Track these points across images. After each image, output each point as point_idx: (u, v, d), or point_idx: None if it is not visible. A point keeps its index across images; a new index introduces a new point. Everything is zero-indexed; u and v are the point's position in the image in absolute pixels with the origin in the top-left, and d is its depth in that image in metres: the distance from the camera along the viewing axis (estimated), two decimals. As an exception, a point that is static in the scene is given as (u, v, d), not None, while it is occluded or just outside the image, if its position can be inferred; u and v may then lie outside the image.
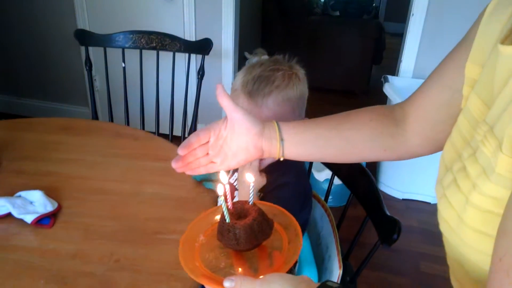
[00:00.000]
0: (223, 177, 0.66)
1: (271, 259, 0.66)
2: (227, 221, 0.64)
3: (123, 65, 1.74)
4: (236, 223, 0.63)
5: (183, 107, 1.76)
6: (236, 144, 0.72)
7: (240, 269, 0.64)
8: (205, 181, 1.07)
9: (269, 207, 0.71)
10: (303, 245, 1.04)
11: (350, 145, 0.72)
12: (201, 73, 1.72)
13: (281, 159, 0.74)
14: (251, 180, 0.66)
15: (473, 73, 0.58)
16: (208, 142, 0.73)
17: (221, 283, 0.57)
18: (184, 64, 2.45)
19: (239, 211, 0.67)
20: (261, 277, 0.56)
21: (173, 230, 0.97)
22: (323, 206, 1.17)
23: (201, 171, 0.75)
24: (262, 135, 0.71)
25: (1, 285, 0.81)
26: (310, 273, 0.99)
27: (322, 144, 0.72)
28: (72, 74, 2.80)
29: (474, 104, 0.54)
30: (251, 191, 0.67)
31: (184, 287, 0.82)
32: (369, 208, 0.99)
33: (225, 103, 0.71)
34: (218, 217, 0.69)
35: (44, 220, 0.96)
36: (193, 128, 1.78)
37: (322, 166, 1.43)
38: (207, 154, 0.74)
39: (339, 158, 0.75)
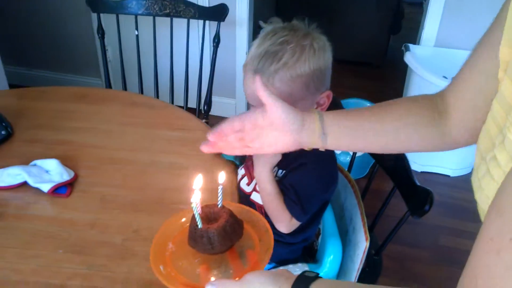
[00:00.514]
0: (196, 183, 0.66)
1: (245, 259, 0.67)
2: (199, 226, 0.63)
3: (136, 32, 1.68)
4: (209, 228, 0.63)
5: (197, 77, 1.71)
6: (273, 136, 0.69)
7: (215, 272, 0.65)
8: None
9: (235, 207, 0.71)
10: (327, 217, 1.01)
11: (394, 138, 0.69)
12: (216, 40, 1.66)
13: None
14: (221, 181, 0.67)
15: (507, 56, 0.53)
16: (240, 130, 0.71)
17: None
18: (197, 32, 2.40)
19: (208, 215, 0.67)
20: (237, 279, 0.57)
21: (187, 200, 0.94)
22: (346, 176, 1.13)
23: (236, 152, 0.74)
24: (302, 130, 0.68)
25: (19, 255, 0.80)
26: (334, 245, 0.96)
27: (365, 137, 0.70)
28: (84, 44, 2.75)
29: (507, 88, 0.50)
30: (219, 194, 0.67)
31: (205, 258, 0.79)
32: (397, 179, 0.94)
33: (265, 97, 0.67)
34: (183, 221, 0.72)
35: (61, 189, 0.94)
36: (208, 99, 1.73)
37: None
38: (240, 140, 0.72)
39: (382, 150, 0.73)
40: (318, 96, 0.87)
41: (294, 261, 0.99)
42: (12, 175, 0.95)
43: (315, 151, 0.89)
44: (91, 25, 2.64)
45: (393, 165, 0.95)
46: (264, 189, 0.92)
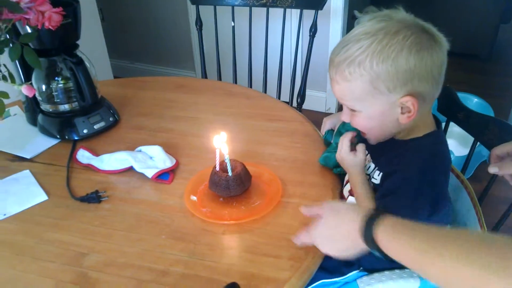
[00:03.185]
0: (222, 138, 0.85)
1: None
2: (230, 174, 0.85)
3: (233, 24, 1.68)
4: (227, 175, 0.85)
5: (290, 68, 1.67)
6: None
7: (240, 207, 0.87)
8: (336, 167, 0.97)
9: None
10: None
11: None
12: (313, 30, 1.60)
13: None
14: (217, 146, 0.85)
15: None
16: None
17: None
18: (290, 23, 2.35)
19: (224, 167, 0.86)
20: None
21: (292, 193, 0.90)
22: (458, 176, 1.02)
23: None
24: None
25: (125, 238, 0.81)
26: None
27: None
28: (179, 38, 2.85)
29: None
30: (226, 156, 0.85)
31: (308, 255, 0.75)
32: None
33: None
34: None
35: (164, 176, 0.95)
36: (302, 91, 1.68)
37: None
38: None
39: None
40: (395, 98, 0.74)
41: (390, 268, 0.91)
42: (119, 160, 0.98)
43: (415, 147, 0.79)
44: (187, 18, 2.72)
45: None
46: (355, 193, 0.85)
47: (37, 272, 0.75)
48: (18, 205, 0.90)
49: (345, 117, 0.82)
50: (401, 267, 0.89)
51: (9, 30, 0.82)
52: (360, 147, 0.85)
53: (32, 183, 0.97)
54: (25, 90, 0.82)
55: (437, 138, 0.82)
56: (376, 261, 0.88)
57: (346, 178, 0.94)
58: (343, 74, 0.74)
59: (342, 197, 0.93)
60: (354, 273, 0.90)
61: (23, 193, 0.93)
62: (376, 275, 0.87)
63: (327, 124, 1.03)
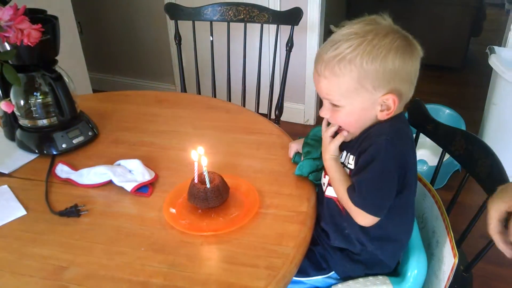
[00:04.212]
0: (199, 151, 0.88)
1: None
2: (208, 186, 0.87)
3: (211, 38, 1.72)
4: (205, 187, 0.88)
5: (268, 82, 1.71)
6: None
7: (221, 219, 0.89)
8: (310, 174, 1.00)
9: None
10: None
11: None
12: (289, 44, 1.65)
13: None
14: (195, 159, 0.88)
15: None
16: None
17: None
18: (268, 38, 2.40)
19: (201, 179, 0.90)
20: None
21: (269, 204, 0.93)
22: (425, 185, 1.06)
23: None
24: None
25: (105, 251, 0.83)
26: (419, 259, 0.90)
27: None
28: (159, 51, 2.87)
29: None
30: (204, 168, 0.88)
31: (284, 264, 0.78)
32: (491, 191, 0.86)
33: None
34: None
35: (143, 189, 0.97)
36: (280, 104, 1.72)
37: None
38: None
39: None
40: (377, 95, 0.80)
41: (373, 273, 0.94)
42: (98, 174, 1.00)
43: (382, 130, 0.82)
44: (166, 32, 2.75)
45: (488, 174, 0.87)
46: (331, 179, 0.88)
47: (16, 287, 0.76)
48: (-4, 221, 0.90)
49: (325, 112, 0.86)
50: (374, 274, 0.92)
51: (-13, 47, 0.83)
52: (339, 135, 0.88)
53: (10, 198, 0.97)
54: (3, 106, 0.83)
55: (400, 117, 0.86)
56: (350, 268, 0.92)
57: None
58: (333, 70, 0.79)
59: (320, 189, 0.96)
60: (321, 277, 0.93)
61: (1, 208, 0.93)
62: (350, 282, 0.90)
63: (293, 147, 1.06)
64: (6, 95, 1.09)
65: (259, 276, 0.75)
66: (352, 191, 0.82)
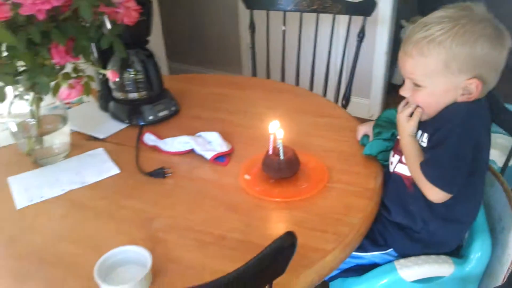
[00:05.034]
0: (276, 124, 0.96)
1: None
2: (281, 157, 0.95)
3: (283, 28, 1.79)
4: (279, 158, 0.95)
5: (336, 73, 1.75)
6: None
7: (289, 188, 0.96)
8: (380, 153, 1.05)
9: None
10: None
11: None
12: (361, 35, 1.68)
13: None
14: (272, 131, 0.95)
15: None
16: None
17: None
18: (338, 28, 2.42)
19: (278, 152, 0.95)
20: None
21: (337, 179, 0.98)
22: (493, 173, 1.06)
23: None
24: None
25: (187, 208, 0.92)
26: (483, 243, 0.91)
27: None
28: (228, 40, 2.99)
29: None
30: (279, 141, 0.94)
31: (351, 231, 0.83)
32: None
33: None
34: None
35: (221, 158, 1.06)
36: (347, 94, 1.75)
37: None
38: None
39: None
40: (462, 79, 0.83)
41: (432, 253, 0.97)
42: (182, 143, 1.10)
43: (459, 109, 0.84)
44: (236, 22, 2.85)
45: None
46: (407, 156, 0.92)
47: (114, 230, 0.87)
48: (95, 176, 1.03)
49: (406, 91, 0.90)
50: (436, 253, 0.95)
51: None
52: (416, 113, 0.91)
53: (105, 159, 1.10)
54: (110, 74, 0.95)
55: (479, 101, 0.88)
56: (409, 246, 0.95)
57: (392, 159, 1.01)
58: (421, 50, 0.83)
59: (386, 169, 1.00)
60: (379, 253, 0.97)
61: (99, 167, 1.07)
62: (412, 258, 0.93)
63: (362, 130, 1.10)
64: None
65: (327, 239, 0.81)
66: (426, 167, 0.85)
